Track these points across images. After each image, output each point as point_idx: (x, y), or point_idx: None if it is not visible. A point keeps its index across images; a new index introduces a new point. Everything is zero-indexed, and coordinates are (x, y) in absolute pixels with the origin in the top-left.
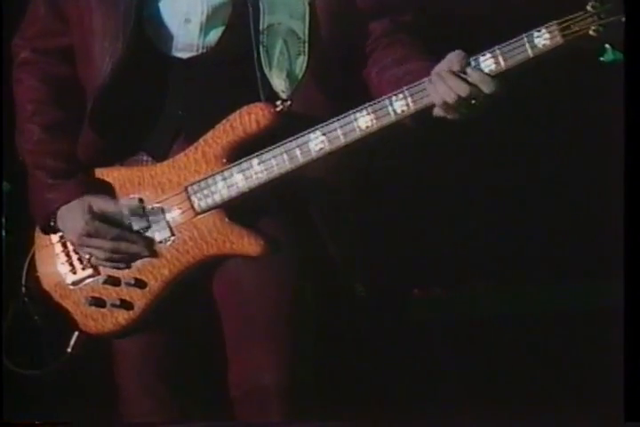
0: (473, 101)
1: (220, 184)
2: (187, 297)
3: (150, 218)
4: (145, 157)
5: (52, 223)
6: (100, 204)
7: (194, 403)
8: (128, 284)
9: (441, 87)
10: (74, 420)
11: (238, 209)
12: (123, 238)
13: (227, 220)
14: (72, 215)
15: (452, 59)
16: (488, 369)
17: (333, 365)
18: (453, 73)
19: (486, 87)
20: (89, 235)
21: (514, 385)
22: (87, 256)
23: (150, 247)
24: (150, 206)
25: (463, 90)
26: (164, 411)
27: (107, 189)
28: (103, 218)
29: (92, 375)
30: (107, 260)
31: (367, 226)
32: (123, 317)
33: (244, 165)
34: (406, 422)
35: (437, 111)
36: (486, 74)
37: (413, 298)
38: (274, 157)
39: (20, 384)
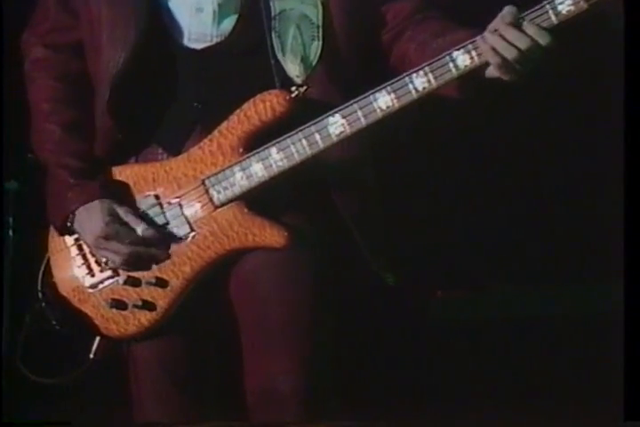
0: (531, 56)
1: (239, 175)
2: (207, 298)
3: (168, 214)
4: (160, 152)
5: (68, 224)
6: (119, 208)
7: (210, 409)
8: (149, 283)
9: (499, 43)
10: (75, 420)
11: (258, 200)
12: (140, 243)
13: (247, 211)
14: (91, 216)
15: (506, 14)
16: (487, 369)
17: (353, 367)
18: (512, 25)
19: (543, 40)
20: (107, 237)
21: (513, 385)
22: (104, 260)
23: (167, 251)
24: (167, 202)
25: (524, 43)
26: (178, 417)
27: (123, 188)
28: (123, 222)
29: (108, 380)
30: (123, 264)
31: (392, 212)
32: (145, 318)
33: (263, 154)
34: (425, 424)
35: (491, 72)
36: (542, 27)
37: (437, 298)
38: (293, 143)
39: (20, 385)
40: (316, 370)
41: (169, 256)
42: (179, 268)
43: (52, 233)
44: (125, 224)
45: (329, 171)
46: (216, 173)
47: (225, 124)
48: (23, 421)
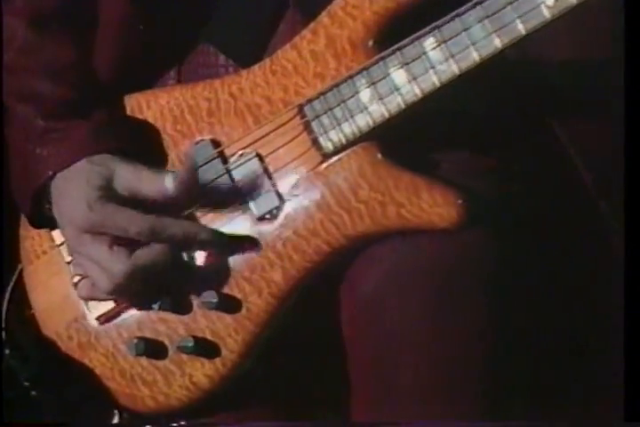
0: None
1: (367, 94)
2: (309, 330)
3: (236, 174)
4: (221, 62)
5: (46, 205)
6: (128, 179)
7: None
8: (207, 306)
9: None
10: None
11: (401, 140)
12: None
13: (382, 159)
14: (72, 188)
15: None
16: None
17: None
18: None
19: None
20: (92, 229)
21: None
22: (77, 279)
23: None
24: (235, 153)
25: None
26: None
27: (149, 131)
28: (133, 201)
29: None
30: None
31: None
32: (203, 373)
33: (410, 52)
34: None
35: None
36: None
37: None
38: (466, 29)
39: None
40: None
41: (220, 244)
42: (262, 275)
43: (25, 227)
44: (139, 200)
45: (542, 84)
46: (323, 93)
47: (337, 5)
48: (23, 421)
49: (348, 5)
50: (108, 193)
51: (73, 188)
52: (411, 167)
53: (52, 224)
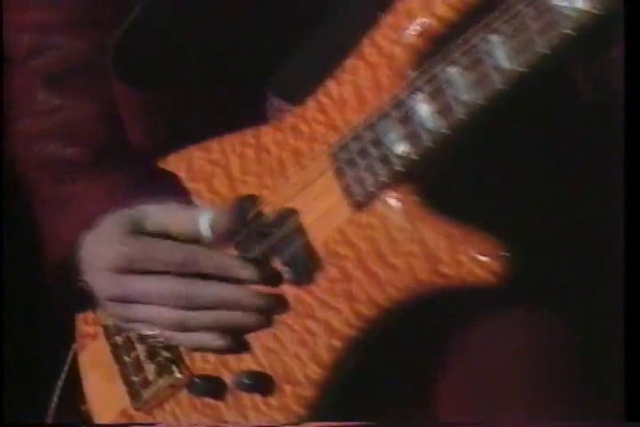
0: None
1: (395, 132)
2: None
3: (272, 235)
4: (275, 103)
5: (72, 275)
6: (159, 217)
7: None
8: (241, 386)
9: None
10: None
11: (436, 184)
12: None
13: (416, 204)
14: (99, 239)
15: None
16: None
17: None
18: None
19: None
20: (131, 268)
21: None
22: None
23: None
24: (273, 210)
25: None
26: None
27: (177, 192)
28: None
29: None
30: (177, 325)
31: None
32: None
33: (435, 81)
34: None
35: None
36: None
37: None
38: (488, 52)
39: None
40: None
41: (283, 307)
42: (301, 347)
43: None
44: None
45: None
46: (354, 133)
47: (377, 30)
48: (25, 421)
49: (387, 28)
50: (140, 228)
51: (100, 238)
52: (448, 214)
53: (88, 302)
